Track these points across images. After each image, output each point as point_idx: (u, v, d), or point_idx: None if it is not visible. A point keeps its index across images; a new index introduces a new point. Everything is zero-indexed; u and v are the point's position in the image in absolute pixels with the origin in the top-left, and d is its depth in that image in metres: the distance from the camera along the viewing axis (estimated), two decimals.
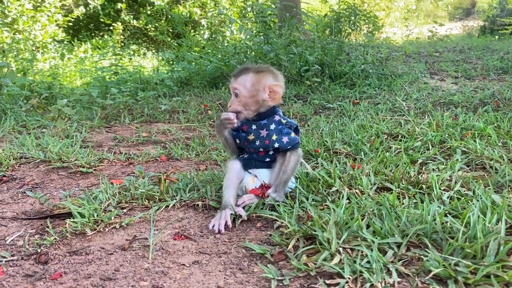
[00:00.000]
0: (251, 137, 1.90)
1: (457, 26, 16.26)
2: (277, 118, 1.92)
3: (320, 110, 4.10)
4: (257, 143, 1.89)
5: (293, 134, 1.93)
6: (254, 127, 1.90)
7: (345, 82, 5.12)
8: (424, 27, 15.10)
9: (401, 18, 16.68)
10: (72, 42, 10.88)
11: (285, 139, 1.89)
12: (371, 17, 8.90)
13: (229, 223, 1.70)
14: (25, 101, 4.56)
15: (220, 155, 2.76)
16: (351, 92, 4.67)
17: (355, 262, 1.33)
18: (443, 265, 1.27)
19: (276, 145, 1.88)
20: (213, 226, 1.69)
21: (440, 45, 9.48)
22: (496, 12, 14.30)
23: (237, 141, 1.96)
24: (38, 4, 10.26)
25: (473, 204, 1.63)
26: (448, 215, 1.57)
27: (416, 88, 4.71)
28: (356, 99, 4.34)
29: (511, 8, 13.10)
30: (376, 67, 5.57)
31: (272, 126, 1.89)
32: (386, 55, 6.33)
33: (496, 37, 12.08)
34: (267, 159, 1.93)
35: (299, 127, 2.02)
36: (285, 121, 1.94)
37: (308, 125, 3.45)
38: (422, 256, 1.35)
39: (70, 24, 11.12)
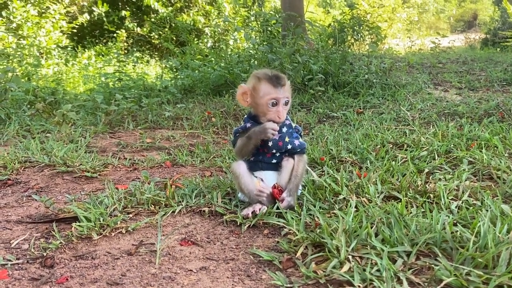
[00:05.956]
0: None
1: (459, 38, 16.33)
2: (287, 122, 1.99)
3: (324, 119, 4.10)
4: (270, 144, 1.92)
5: (301, 139, 2.00)
6: None
7: (349, 91, 5.13)
8: (426, 38, 15.16)
9: (404, 30, 16.77)
10: (76, 49, 10.92)
11: (296, 142, 1.97)
12: (374, 28, 8.95)
13: (257, 212, 1.79)
14: (29, 106, 4.56)
15: (225, 161, 2.75)
16: (354, 101, 4.67)
17: (364, 270, 1.31)
18: (455, 274, 1.25)
19: (289, 146, 1.95)
20: (242, 214, 1.79)
21: (443, 56, 9.51)
22: (498, 25, 14.36)
23: None
24: (43, 11, 10.31)
25: (482, 213, 1.62)
26: (457, 224, 1.56)
27: (420, 98, 4.71)
28: (360, 109, 4.34)
29: None
30: (379, 77, 5.58)
31: (284, 129, 1.96)
32: (389, 66, 6.34)
33: (498, 49, 12.13)
34: (274, 161, 1.96)
35: (302, 134, 2.08)
36: (294, 125, 2.03)
37: (313, 133, 3.45)
38: (432, 265, 1.34)
39: (74, 30, 11.16)
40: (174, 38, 11.02)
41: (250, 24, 8.62)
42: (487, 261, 1.29)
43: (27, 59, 8.03)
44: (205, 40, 10.88)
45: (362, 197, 1.94)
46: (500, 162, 2.32)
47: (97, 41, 12.02)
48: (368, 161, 2.54)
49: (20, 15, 9.33)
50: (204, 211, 1.92)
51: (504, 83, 5.69)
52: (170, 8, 11.94)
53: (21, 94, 4.79)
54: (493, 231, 1.42)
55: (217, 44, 10.59)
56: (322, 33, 7.74)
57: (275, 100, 1.87)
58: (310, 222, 1.69)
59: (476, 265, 1.30)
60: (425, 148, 2.72)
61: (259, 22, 6.46)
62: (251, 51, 6.32)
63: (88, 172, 2.56)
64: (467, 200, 1.86)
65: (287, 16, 6.44)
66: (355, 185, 2.08)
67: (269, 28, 6.20)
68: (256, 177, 1.93)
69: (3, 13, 9.20)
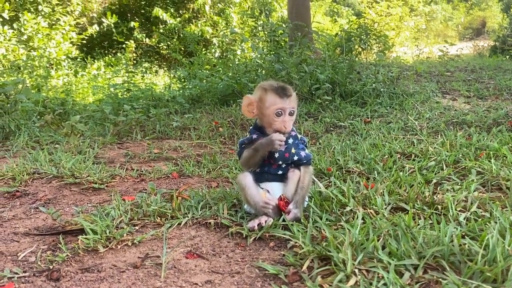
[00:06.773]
0: None
1: (467, 46, 16.25)
2: (293, 133, 1.99)
3: (332, 128, 4.09)
4: (276, 155, 1.91)
5: (306, 150, 2.00)
6: None
7: (356, 100, 5.12)
8: (434, 46, 15.10)
9: (411, 38, 16.74)
10: (86, 60, 11.06)
11: (303, 153, 1.97)
12: (381, 37, 8.95)
13: (263, 224, 1.78)
14: (38, 117, 4.61)
15: (232, 172, 2.75)
16: (362, 110, 4.66)
17: (371, 284, 1.30)
18: None
19: (296, 158, 1.94)
20: (248, 227, 1.78)
21: (451, 64, 9.46)
22: (507, 32, 14.29)
23: None
24: (53, 23, 10.48)
25: (491, 226, 1.60)
26: (465, 236, 1.54)
27: (428, 107, 4.69)
28: (368, 118, 4.33)
29: None
30: (387, 86, 5.56)
31: (290, 141, 1.95)
32: (397, 74, 6.32)
33: (507, 57, 12.05)
34: (280, 172, 1.95)
35: (307, 145, 2.07)
36: (300, 136, 2.02)
37: (320, 143, 3.44)
38: (440, 279, 1.32)
39: (84, 42, 11.31)
40: (182, 49, 11.11)
41: (258, 34, 8.66)
42: (496, 275, 1.27)
43: (38, 70, 8.15)
44: (213, 50, 10.95)
45: (369, 209, 1.92)
46: (510, 172, 2.29)
47: (106, 52, 12.16)
48: (376, 171, 2.52)
49: (31, 27, 9.49)
50: (210, 223, 1.91)
51: None
52: (178, 19, 12.06)
53: (31, 105, 4.84)
54: (502, 244, 1.40)
55: (224, 54, 10.65)
56: (329, 42, 7.76)
57: (280, 110, 1.87)
58: (316, 235, 1.68)
59: (485, 279, 1.28)
60: (433, 158, 2.70)
61: (266, 32, 6.50)
62: (258, 61, 6.36)
63: (96, 183, 2.57)
64: (475, 212, 1.84)
65: (294, 26, 6.47)
66: (362, 196, 2.06)
67: (276, 38, 6.23)
68: (262, 188, 1.92)
69: (15, 25, 9.36)
